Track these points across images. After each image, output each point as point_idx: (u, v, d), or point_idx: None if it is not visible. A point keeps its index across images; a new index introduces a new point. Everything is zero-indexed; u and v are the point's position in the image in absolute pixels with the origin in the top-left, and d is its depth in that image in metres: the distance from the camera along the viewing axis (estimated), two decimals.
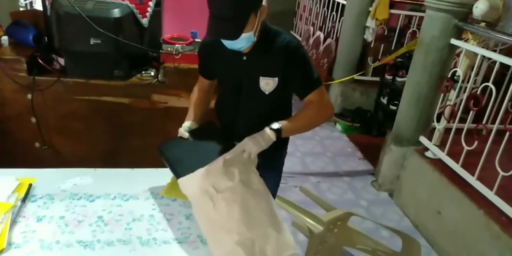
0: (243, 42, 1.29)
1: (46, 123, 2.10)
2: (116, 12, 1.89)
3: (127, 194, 1.39)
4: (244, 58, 1.39)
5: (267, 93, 1.41)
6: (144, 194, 1.40)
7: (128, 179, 1.48)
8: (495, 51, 2.59)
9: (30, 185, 1.36)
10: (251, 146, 1.31)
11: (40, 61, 2.00)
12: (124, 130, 2.16)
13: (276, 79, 1.39)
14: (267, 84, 1.39)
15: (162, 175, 1.49)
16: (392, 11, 3.59)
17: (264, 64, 1.38)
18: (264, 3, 1.29)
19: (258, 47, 1.36)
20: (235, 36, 1.23)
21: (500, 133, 2.04)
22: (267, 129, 1.34)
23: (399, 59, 3.34)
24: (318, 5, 4.44)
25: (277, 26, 1.42)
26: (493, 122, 2.15)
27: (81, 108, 2.09)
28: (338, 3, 3.95)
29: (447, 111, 2.45)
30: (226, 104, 1.56)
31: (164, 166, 1.53)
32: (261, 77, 1.39)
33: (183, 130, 1.46)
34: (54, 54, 2.14)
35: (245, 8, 1.22)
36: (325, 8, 4.22)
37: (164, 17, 2.33)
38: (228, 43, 1.31)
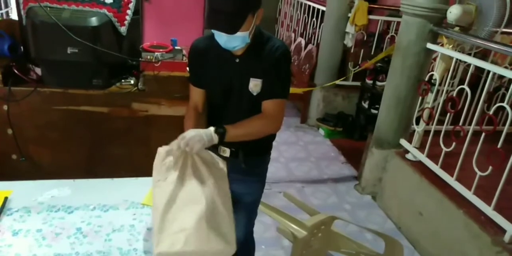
0: (238, 41, 1.33)
1: (23, 134, 2.05)
2: (94, 21, 1.87)
3: (106, 204, 1.37)
4: (237, 60, 1.42)
5: (255, 94, 1.44)
6: (124, 204, 1.38)
7: (107, 189, 1.46)
8: (470, 54, 2.66)
9: (6, 198, 1.33)
10: (195, 141, 1.22)
11: (16, 71, 1.97)
12: (104, 140, 2.12)
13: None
14: (256, 85, 1.43)
15: (143, 184, 1.47)
16: (371, 17, 3.66)
17: (254, 66, 1.41)
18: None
19: (251, 50, 1.40)
20: (234, 29, 1.26)
21: (476, 134, 2.09)
22: (212, 131, 1.30)
23: (379, 64, 3.40)
24: (298, 11, 4.49)
25: None
26: (470, 124, 2.20)
27: (59, 118, 2.05)
28: (318, 9, 4.01)
29: (425, 113, 2.49)
30: (212, 109, 1.57)
31: (144, 175, 1.51)
32: (251, 79, 1.43)
33: None
34: (30, 63, 2.10)
35: (246, 4, 1.27)
36: (306, 15, 4.28)
37: (145, 25, 2.32)
38: (224, 41, 1.33)
